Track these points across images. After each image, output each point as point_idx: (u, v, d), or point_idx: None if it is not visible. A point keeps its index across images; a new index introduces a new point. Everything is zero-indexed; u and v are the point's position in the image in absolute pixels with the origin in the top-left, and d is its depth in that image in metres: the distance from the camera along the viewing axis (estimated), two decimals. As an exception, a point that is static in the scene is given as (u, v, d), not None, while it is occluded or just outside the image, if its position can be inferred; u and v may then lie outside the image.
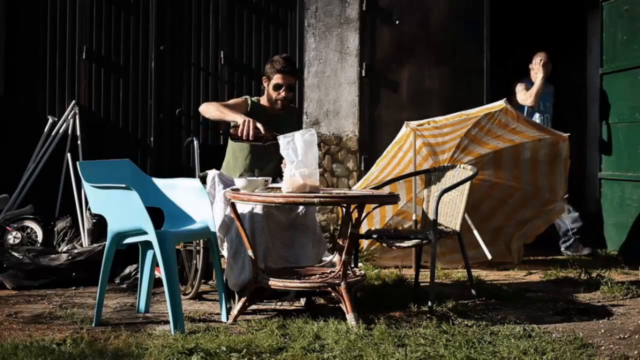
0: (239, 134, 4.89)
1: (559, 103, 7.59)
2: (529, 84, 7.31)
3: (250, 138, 4.88)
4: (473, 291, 5.27)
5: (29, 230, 6.27)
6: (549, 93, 7.42)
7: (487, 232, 6.52)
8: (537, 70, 7.30)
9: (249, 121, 4.87)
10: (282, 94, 5.23)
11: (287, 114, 5.45)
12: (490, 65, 7.24)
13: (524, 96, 7.28)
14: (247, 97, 5.40)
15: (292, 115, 5.54)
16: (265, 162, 5.23)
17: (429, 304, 4.82)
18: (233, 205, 4.69)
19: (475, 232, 6.17)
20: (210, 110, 5.14)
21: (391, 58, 7.17)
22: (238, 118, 4.95)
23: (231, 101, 5.39)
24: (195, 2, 7.07)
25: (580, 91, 8.04)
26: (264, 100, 5.39)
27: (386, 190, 5.48)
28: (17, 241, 6.13)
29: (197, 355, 3.79)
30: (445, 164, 6.08)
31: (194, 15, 7.07)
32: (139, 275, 4.88)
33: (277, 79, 5.24)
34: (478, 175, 5.44)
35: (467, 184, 5.24)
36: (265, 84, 5.32)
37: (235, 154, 5.35)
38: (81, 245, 6.17)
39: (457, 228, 5.27)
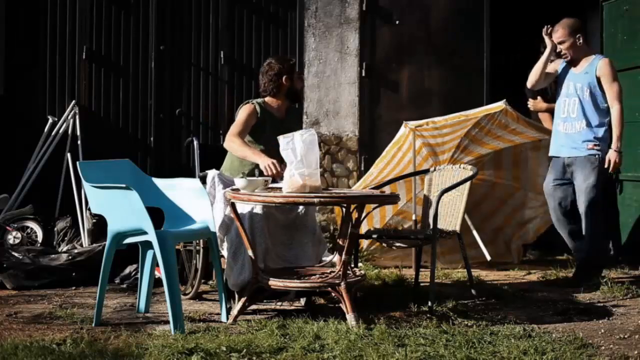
0: (268, 175, 4.94)
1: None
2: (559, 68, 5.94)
3: (278, 177, 4.93)
4: (473, 291, 5.27)
5: (29, 230, 6.27)
6: (589, 71, 5.73)
7: (487, 232, 6.53)
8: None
9: (270, 164, 4.93)
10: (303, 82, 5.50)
11: (292, 115, 5.46)
12: (491, 65, 7.24)
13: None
14: (252, 103, 5.33)
15: (293, 114, 5.55)
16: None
17: (429, 304, 4.82)
18: (233, 205, 4.69)
19: (475, 233, 6.17)
20: (234, 148, 5.20)
21: (391, 58, 7.17)
22: (259, 160, 5.00)
23: (243, 115, 5.28)
24: (195, 2, 7.07)
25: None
26: (272, 102, 5.37)
27: (386, 190, 5.48)
28: (17, 241, 6.13)
29: (197, 355, 3.79)
30: (445, 164, 6.08)
31: (194, 15, 7.07)
32: (139, 275, 4.88)
33: (298, 69, 5.53)
34: (478, 175, 5.43)
35: (467, 184, 5.24)
36: (286, 82, 5.33)
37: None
38: (81, 245, 6.17)
39: (457, 228, 5.26)
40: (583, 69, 5.78)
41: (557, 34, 5.79)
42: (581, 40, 5.81)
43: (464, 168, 5.44)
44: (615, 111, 5.70)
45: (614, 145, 5.65)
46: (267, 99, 5.37)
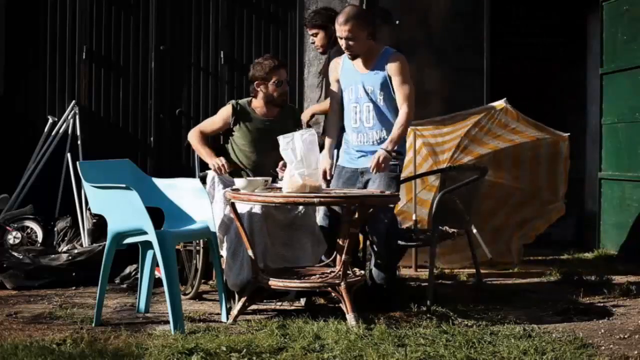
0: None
1: (560, 103, 7.57)
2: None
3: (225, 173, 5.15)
4: (482, 293, 5.21)
5: (29, 230, 6.26)
6: (379, 70, 4.90)
7: (487, 232, 6.52)
8: None
9: (218, 162, 5.14)
10: (285, 87, 5.33)
11: (284, 114, 5.40)
12: (491, 65, 7.24)
13: None
14: (232, 103, 5.37)
15: (288, 114, 5.46)
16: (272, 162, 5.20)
17: (428, 303, 4.82)
18: (233, 205, 4.69)
19: (475, 232, 6.17)
20: (193, 143, 5.42)
21: (391, 58, 7.16)
22: (208, 160, 5.23)
23: (217, 116, 5.46)
24: (195, 2, 7.07)
25: (580, 91, 8.03)
26: (257, 104, 5.36)
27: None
28: (17, 241, 6.13)
29: (197, 355, 3.79)
30: (446, 164, 6.07)
31: (194, 15, 7.07)
32: (139, 275, 4.88)
33: (278, 75, 5.27)
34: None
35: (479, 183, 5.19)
36: (260, 88, 5.28)
37: (244, 153, 5.31)
38: (81, 245, 6.17)
39: (469, 227, 5.20)
40: (371, 68, 4.91)
41: (346, 27, 4.77)
42: (370, 33, 4.88)
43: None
44: (404, 113, 4.81)
45: (385, 144, 4.77)
46: (253, 100, 5.38)
